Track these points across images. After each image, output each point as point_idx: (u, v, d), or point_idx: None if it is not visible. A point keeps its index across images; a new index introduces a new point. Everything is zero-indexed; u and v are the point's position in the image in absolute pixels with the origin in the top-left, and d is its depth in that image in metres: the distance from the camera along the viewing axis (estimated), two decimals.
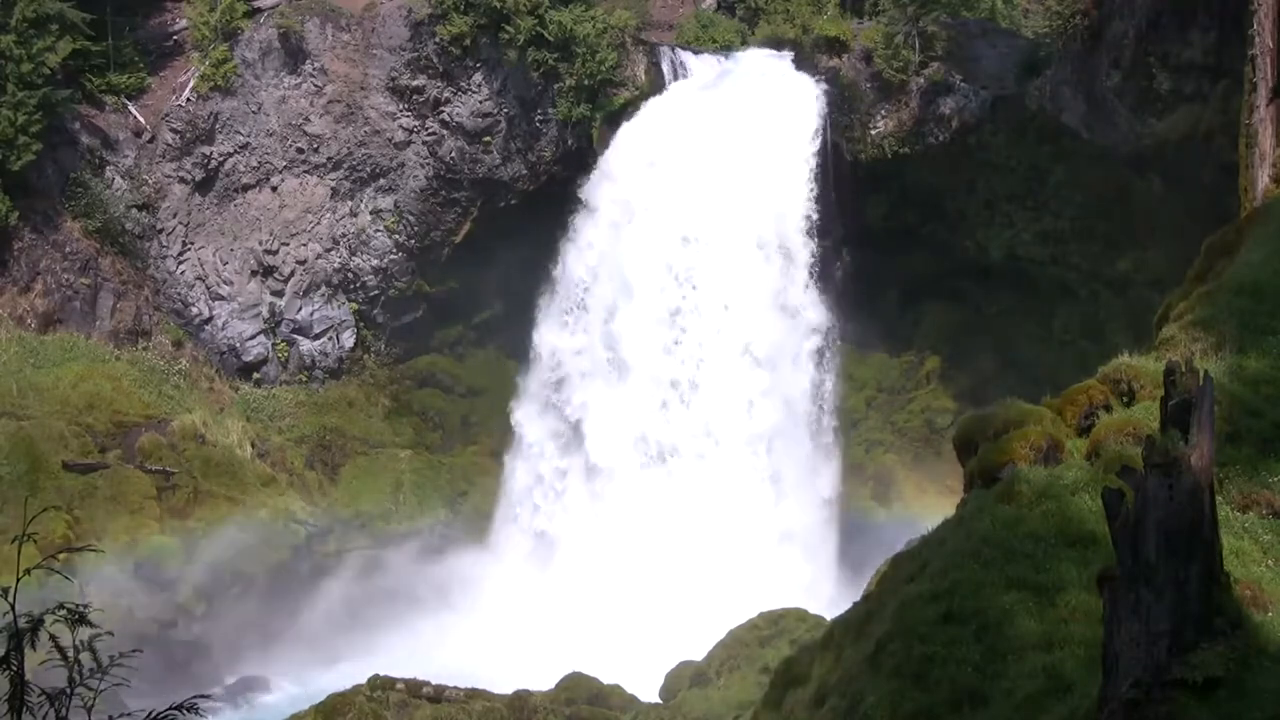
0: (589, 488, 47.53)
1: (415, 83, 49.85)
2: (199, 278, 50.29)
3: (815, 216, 47.68)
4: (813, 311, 47.89)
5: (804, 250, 47.65)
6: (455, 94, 49.91)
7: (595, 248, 49.24)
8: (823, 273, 48.25)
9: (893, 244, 48.27)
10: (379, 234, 51.08)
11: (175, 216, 49.93)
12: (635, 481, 46.23)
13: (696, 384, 46.81)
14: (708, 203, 47.29)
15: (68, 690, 7.25)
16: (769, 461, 46.22)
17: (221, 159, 50.13)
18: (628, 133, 48.98)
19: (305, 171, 50.63)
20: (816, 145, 48.07)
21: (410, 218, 50.92)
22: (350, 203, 50.93)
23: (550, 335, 50.29)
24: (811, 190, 47.56)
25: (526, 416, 50.38)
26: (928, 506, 40.85)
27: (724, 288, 47.00)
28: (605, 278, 48.98)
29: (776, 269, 47.55)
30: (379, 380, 52.03)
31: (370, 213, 51.00)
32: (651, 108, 49.15)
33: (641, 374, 47.39)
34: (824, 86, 48.43)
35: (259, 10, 50.72)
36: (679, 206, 47.32)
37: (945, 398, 48.75)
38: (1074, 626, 12.79)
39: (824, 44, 47.98)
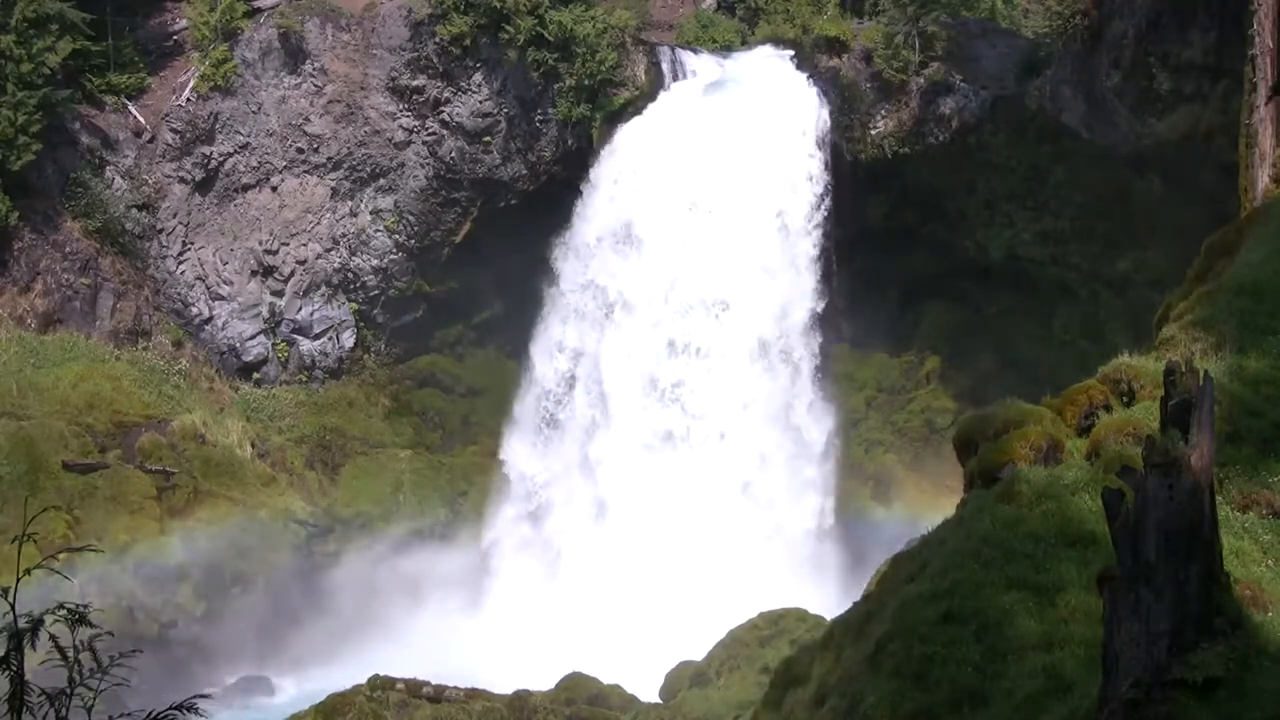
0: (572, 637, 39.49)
1: (415, 83, 49.84)
2: (199, 278, 50.28)
3: (821, 309, 44.83)
4: (816, 429, 44.36)
5: (808, 352, 44.44)
6: (455, 94, 49.89)
7: (567, 349, 45.80)
8: (824, 370, 45.31)
9: (893, 244, 48.23)
10: (379, 234, 51.07)
11: (175, 216, 49.93)
12: (626, 642, 38.13)
13: (688, 531, 41.37)
14: (698, 293, 43.18)
15: (68, 690, 7.24)
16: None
17: (221, 159, 50.13)
18: (599, 193, 45.56)
19: (305, 171, 50.63)
20: (823, 213, 44.65)
21: (410, 218, 50.90)
22: (350, 203, 50.92)
23: (521, 455, 46.59)
24: (818, 276, 44.22)
25: (501, 538, 46.25)
26: (928, 506, 40.78)
27: (718, 408, 42.42)
28: (581, 386, 45.23)
29: (781, 383, 43.86)
30: (379, 380, 52.01)
31: (370, 213, 50.99)
32: (621, 161, 45.02)
33: (623, 516, 42.39)
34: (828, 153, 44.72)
35: (259, 10, 50.71)
36: (663, 298, 43.26)
37: (945, 398, 48.70)
38: (1074, 626, 12.80)
39: (824, 44, 47.95)
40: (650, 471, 42.39)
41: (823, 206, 45.74)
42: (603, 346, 44.90)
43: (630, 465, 42.67)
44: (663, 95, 48.03)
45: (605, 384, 44.23)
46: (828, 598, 37.42)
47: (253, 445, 47.11)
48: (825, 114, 46.93)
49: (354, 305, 51.54)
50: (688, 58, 49.56)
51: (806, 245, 45.15)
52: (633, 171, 46.39)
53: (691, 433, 42.86)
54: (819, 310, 45.38)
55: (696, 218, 44.41)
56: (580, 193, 47.37)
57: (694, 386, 43.18)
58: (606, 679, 33.62)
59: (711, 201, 44.57)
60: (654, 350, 43.43)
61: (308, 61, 50.14)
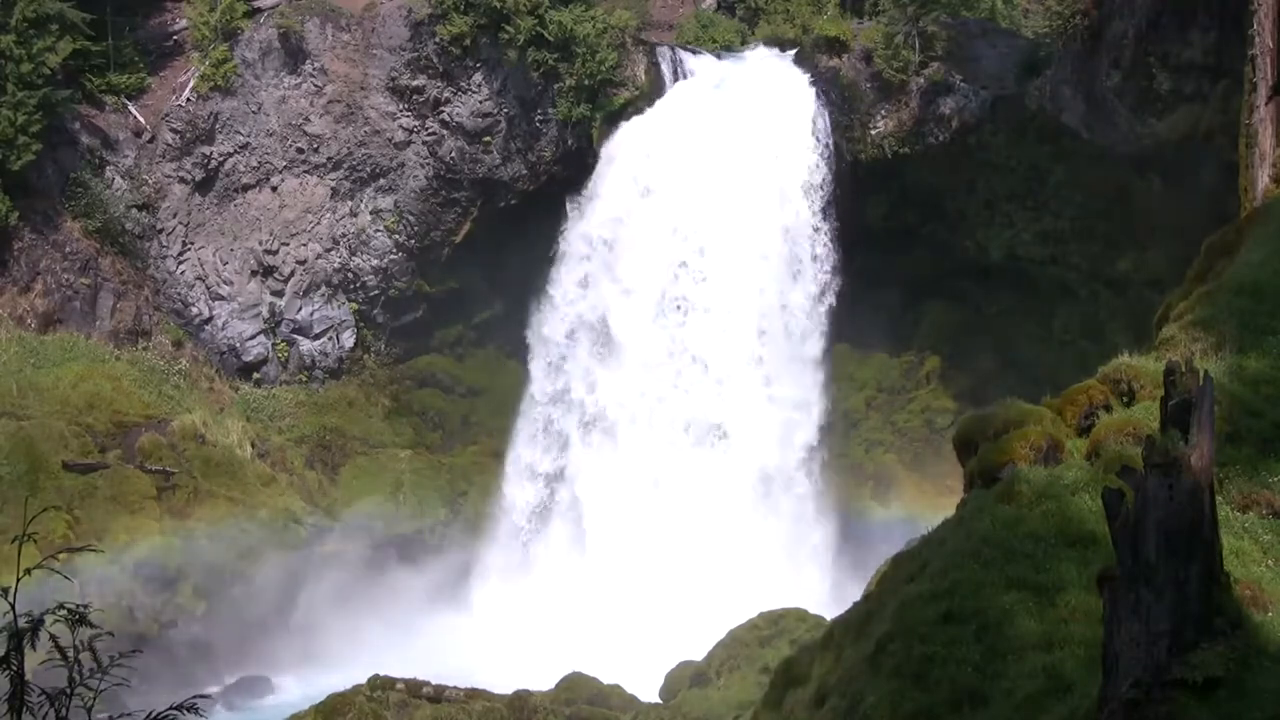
0: None
1: (415, 83, 49.84)
2: (199, 278, 50.28)
3: (828, 420, 42.21)
4: (820, 572, 41.04)
5: (811, 483, 41.97)
6: (455, 94, 49.89)
7: (540, 475, 42.94)
8: (826, 496, 42.75)
9: (893, 244, 48.22)
10: (379, 234, 51.06)
11: (175, 216, 49.93)
12: (626, 642, 36.41)
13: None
14: (688, 415, 40.03)
15: (68, 690, 7.24)
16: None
17: (221, 159, 50.13)
18: (569, 272, 43.55)
19: (305, 171, 50.62)
20: (829, 302, 41.49)
21: (410, 218, 50.89)
22: (350, 203, 50.92)
23: (491, 586, 42.79)
24: (823, 380, 41.54)
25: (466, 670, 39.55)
26: (928, 506, 40.76)
27: (714, 558, 38.07)
28: (557, 521, 42.08)
29: (784, 523, 40.94)
30: (379, 380, 52.00)
31: (370, 213, 50.98)
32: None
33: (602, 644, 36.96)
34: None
35: (259, 10, 50.72)
36: (647, 419, 39.89)
37: (945, 398, 48.68)
38: (1074, 626, 12.80)
39: (824, 44, 47.93)
40: (635, 636, 37.16)
41: (828, 294, 43.16)
42: (579, 479, 41.66)
43: (613, 622, 38.00)
44: (632, 132, 45.80)
45: (584, 521, 40.99)
46: (827, 598, 37.39)
47: (253, 445, 47.11)
48: (830, 167, 44.84)
49: (354, 305, 51.54)
50: (687, 58, 49.53)
51: (812, 346, 43.05)
52: (605, 243, 44.15)
53: (682, 590, 38.09)
54: (825, 424, 42.71)
55: (685, 317, 41.30)
56: (551, 259, 46.22)
57: (685, 532, 39.39)
58: (606, 679, 33.59)
59: (702, 298, 41.12)
60: (639, 487, 40.01)
61: (308, 61, 50.14)
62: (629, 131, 47.31)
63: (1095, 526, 13.42)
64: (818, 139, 46.72)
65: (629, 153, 46.78)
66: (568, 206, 47.02)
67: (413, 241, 51.13)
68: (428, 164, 50.54)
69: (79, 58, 48.33)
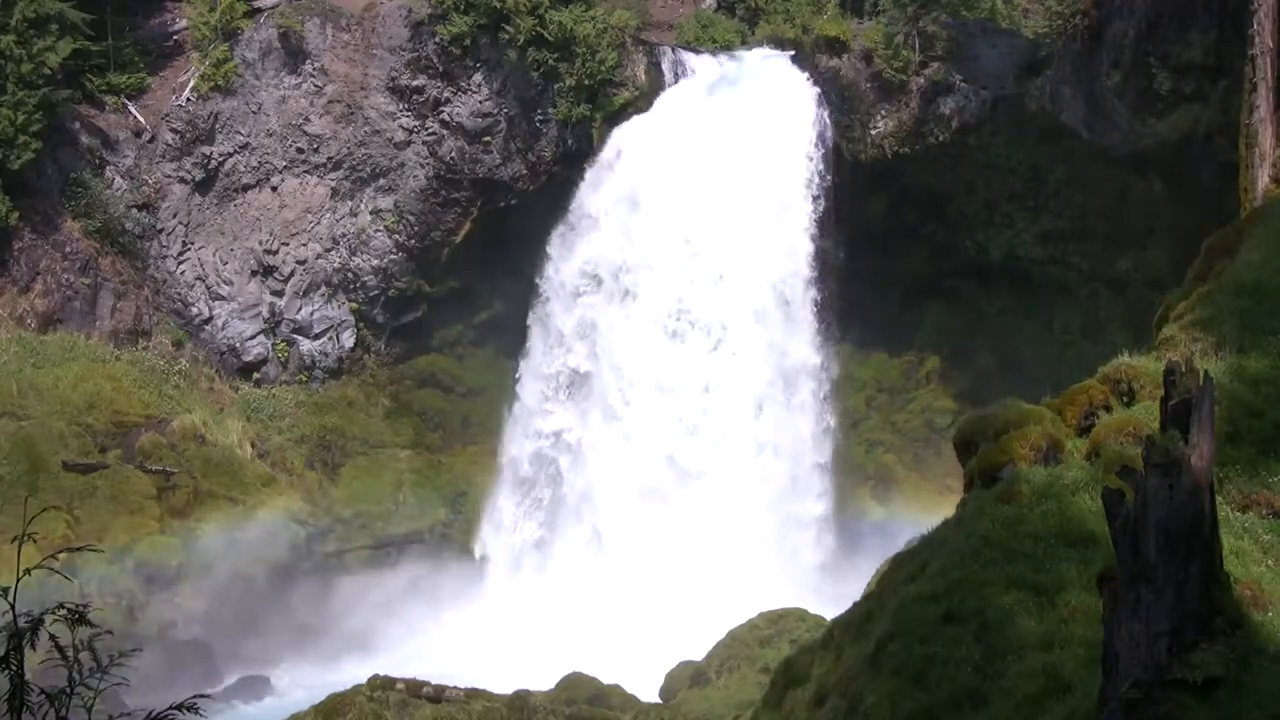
0: None
1: (415, 83, 49.83)
2: (199, 278, 50.28)
3: (820, 442, 42.37)
4: (822, 581, 40.20)
5: (809, 489, 41.71)
6: (455, 94, 49.87)
7: (535, 476, 42.97)
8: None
9: (893, 244, 48.22)
10: (379, 234, 51.05)
11: (175, 216, 49.94)
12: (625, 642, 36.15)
13: None
14: (683, 411, 39.74)
15: (68, 690, 7.23)
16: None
17: (221, 159, 50.13)
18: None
19: (305, 171, 50.62)
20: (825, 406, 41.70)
21: (410, 218, 50.88)
22: (350, 203, 50.91)
23: (486, 588, 42.31)
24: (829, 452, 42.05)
25: None
26: (928, 506, 40.77)
27: (710, 548, 38.00)
28: (555, 520, 42.19)
29: (784, 531, 40.82)
30: (379, 380, 51.99)
31: (370, 213, 50.97)
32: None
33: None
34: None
35: (259, 10, 50.72)
36: (646, 423, 39.63)
37: (945, 398, 48.69)
38: (1074, 626, 12.81)
39: (824, 44, 47.90)
40: (635, 636, 36.62)
41: (828, 295, 43.10)
42: (577, 481, 41.02)
43: (613, 622, 37.75)
44: (632, 132, 45.75)
45: (583, 522, 40.72)
46: (827, 598, 37.37)
47: (253, 445, 47.10)
48: (830, 168, 44.60)
49: (354, 305, 51.52)
50: (688, 58, 49.51)
51: (813, 345, 42.68)
52: (604, 243, 43.73)
53: (682, 590, 37.68)
54: (825, 423, 42.35)
55: (685, 317, 40.71)
56: (550, 258, 46.10)
57: (685, 532, 39.41)
58: (606, 679, 33.59)
59: (701, 297, 40.60)
60: (639, 487, 39.97)
61: (308, 61, 50.14)
62: (629, 131, 47.30)
63: (1095, 526, 13.43)
64: (818, 139, 46.68)
65: (628, 153, 46.78)
66: (567, 205, 47.10)
67: (413, 241, 51.11)
68: (428, 164, 50.52)
69: (79, 58, 48.34)
